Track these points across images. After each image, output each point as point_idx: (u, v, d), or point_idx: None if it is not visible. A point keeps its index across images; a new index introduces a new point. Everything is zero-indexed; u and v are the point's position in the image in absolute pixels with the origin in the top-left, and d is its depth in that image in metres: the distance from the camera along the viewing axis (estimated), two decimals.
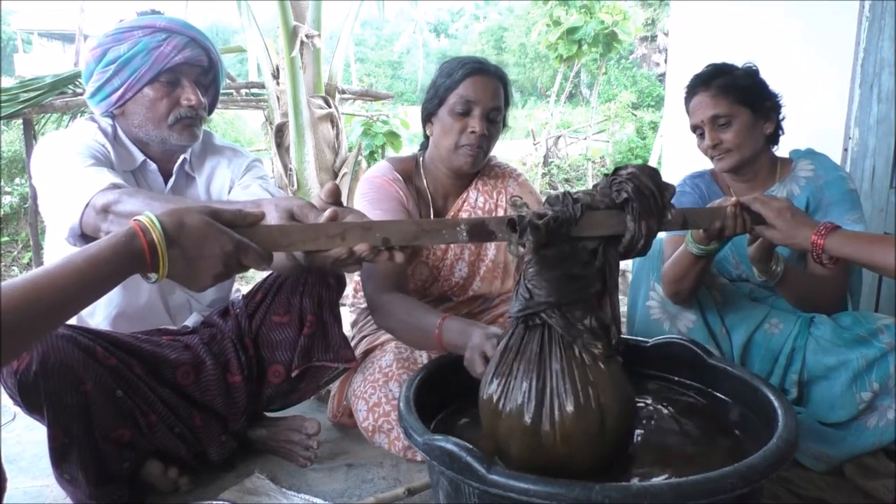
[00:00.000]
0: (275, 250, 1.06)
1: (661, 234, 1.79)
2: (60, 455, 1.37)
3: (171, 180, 1.62)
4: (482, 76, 1.74)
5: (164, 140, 1.55)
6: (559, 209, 1.13)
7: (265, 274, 1.73)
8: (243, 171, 1.68)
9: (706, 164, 1.93)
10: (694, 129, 1.79)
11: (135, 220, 0.94)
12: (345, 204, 1.21)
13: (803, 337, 1.69)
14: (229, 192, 1.65)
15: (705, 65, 1.80)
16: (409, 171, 1.88)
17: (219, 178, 1.68)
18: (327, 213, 1.12)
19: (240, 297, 1.73)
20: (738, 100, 1.70)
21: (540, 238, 1.11)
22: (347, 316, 2.08)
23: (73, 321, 1.52)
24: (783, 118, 1.79)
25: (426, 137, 1.88)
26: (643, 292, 1.81)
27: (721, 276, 1.86)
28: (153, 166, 1.59)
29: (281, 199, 1.19)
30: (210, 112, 1.65)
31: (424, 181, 1.88)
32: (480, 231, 1.15)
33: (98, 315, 1.56)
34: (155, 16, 1.54)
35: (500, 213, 1.87)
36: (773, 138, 1.80)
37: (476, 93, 1.72)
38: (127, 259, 0.92)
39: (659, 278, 1.77)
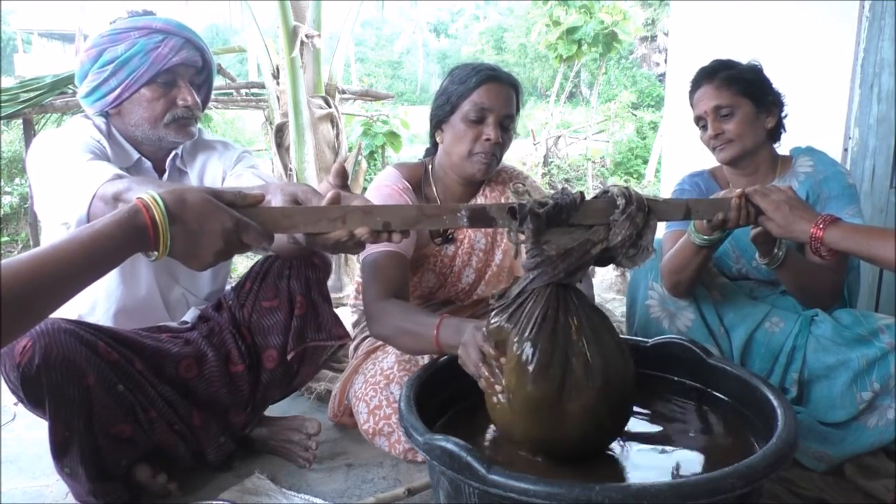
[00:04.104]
0: (276, 231, 1.07)
1: (660, 235, 1.80)
2: (61, 449, 1.37)
3: (165, 176, 1.64)
4: (496, 83, 1.72)
5: (160, 139, 1.58)
6: (559, 197, 1.14)
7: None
8: (234, 162, 1.70)
9: (706, 163, 1.94)
10: (697, 120, 1.80)
11: (138, 197, 0.96)
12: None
13: (804, 336, 1.69)
14: (222, 182, 1.67)
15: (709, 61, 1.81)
16: (417, 179, 1.86)
17: (211, 171, 1.69)
18: (329, 195, 1.12)
19: (230, 290, 1.74)
20: (741, 91, 1.72)
21: (540, 226, 1.12)
22: (348, 316, 2.08)
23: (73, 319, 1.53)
24: (785, 115, 1.80)
25: (434, 144, 1.86)
26: (642, 291, 1.82)
27: (721, 274, 1.87)
28: (148, 164, 1.62)
29: (286, 184, 1.21)
30: (203, 109, 1.67)
31: (434, 189, 1.87)
32: (481, 217, 1.15)
33: (98, 311, 1.57)
34: (150, 17, 1.55)
35: None
36: (775, 134, 1.81)
37: (490, 100, 1.70)
38: (130, 235, 0.93)
39: (657, 277, 1.78)
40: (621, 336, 1.25)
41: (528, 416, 1.14)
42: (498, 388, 1.17)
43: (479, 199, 1.88)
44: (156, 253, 0.97)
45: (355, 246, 1.13)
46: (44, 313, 0.90)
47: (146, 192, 0.96)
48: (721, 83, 1.73)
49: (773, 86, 1.78)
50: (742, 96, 1.72)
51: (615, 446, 1.24)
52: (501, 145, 1.75)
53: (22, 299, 0.83)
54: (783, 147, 1.86)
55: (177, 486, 1.54)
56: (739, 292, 1.82)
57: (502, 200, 1.88)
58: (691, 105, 1.81)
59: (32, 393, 1.33)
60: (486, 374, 1.20)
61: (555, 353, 1.12)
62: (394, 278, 1.64)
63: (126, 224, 0.93)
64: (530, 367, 1.12)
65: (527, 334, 1.14)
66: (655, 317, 1.80)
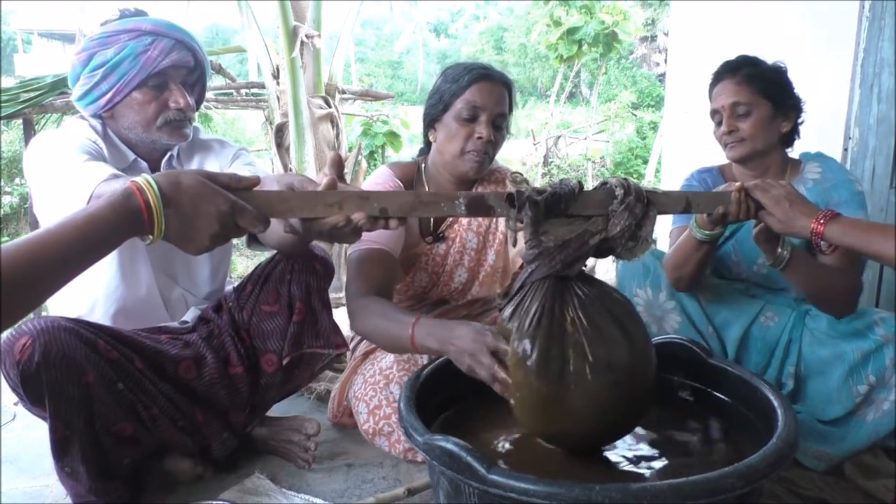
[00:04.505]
0: (272, 216, 1.06)
1: (660, 235, 1.80)
2: (61, 447, 1.37)
3: None
4: (489, 82, 1.73)
5: (154, 141, 1.58)
6: (558, 186, 1.14)
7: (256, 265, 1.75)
8: (231, 160, 1.70)
9: (707, 163, 1.94)
10: (713, 114, 1.78)
11: (132, 181, 0.95)
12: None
13: (798, 329, 1.70)
14: None
15: (729, 58, 1.78)
16: (410, 178, 1.87)
17: (208, 170, 1.68)
18: (325, 181, 1.11)
19: (231, 291, 1.74)
20: (761, 91, 1.70)
21: (538, 214, 1.12)
22: (346, 317, 2.08)
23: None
24: (802, 122, 1.78)
25: (427, 143, 1.87)
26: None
27: (719, 276, 1.87)
28: (144, 165, 1.62)
29: (282, 175, 1.20)
30: (197, 109, 1.67)
31: (427, 187, 1.87)
32: (479, 205, 1.15)
33: (97, 312, 1.56)
34: (139, 18, 1.54)
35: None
36: (789, 139, 1.79)
37: (483, 99, 1.71)
38: (125, 217, 0.93)
39: (641, 283, 1.79)
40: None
41: (537, 410, 1.14)
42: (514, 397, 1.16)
43: None
44: (151, 237, 0.96)
45: (352, 233, 1.12)
46: (41, 297, 0.89)
47: (141, 176, 0.96)
48: (742, 80, 1.71)
49: (795, 90, 1.75)
50: (761, 96, 1.70)
51: (615, 446, 1.24)
52: (494, 144, 1.76)
53: (19, 283, 0.82)
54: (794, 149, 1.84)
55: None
56: (732, 290, 1.82)
57: None
58: (710, 98, 1.79)
59: (32, 391, 1.33)
60: (503, 376, 1.16)
61: (552, 348, 1.12)
62: (378, 276, 1.64)
63: (120, 207, 0.92)
64: (529, 363, 1.12)
65: (525, 329, 1.14)
66: (644, 322, 1.80)
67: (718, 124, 1.76)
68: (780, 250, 1.53)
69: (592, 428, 1.14)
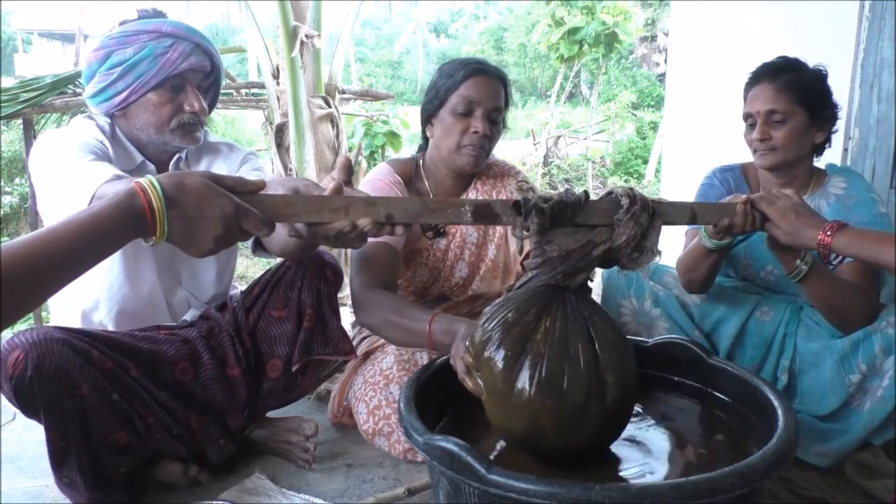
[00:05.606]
0: (278, 220, 1.06)
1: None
2: (59, 459, 1.37)
3: None
4: (483, 76, 1.74)
5: (165, 143, 1.58)
6: (564, 195, 1.14)
7: (263, 271, 1.74)
8: (239, 165, 1.70)
9: (707, 164, 1.93)
10: (746, 117, 1.73)
11: (136, 181, 0.95)
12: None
13: (794, 323, 1.70)
14: None
15: (773, 58, 1.74)
16: (409, 174, 1.88)
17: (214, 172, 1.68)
18: (332, 186, 1.12)
19: (238, 293, 1.74)
20: (800, 100, 1.65)
21: (544, 221, 1.12)
22: (349, 317, 2.08)
23: (76, 319, 1.53)
24: (835, 131, 1.75)
25: (425, 139, 1.87)
26: (613, 310, 1.84)
27: (723, 274, 1.87)
28: (151, 167, 1.61)
29: (287, 179, 1.20)
30: (209, 112, 1.66)
31: (426, 183, 1.88)
32: (485, 213, 1.15)
33: (100, 311, 1.56)
34: (160, 20, 1.54)
35: None
36: (820, 149, 1.76)
37: (478, 93, 1.72)
38: (128, 217, 0.92)
39: (625, 294, 1.81)
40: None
41: (489, 407, 1.17)
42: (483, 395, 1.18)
43: (471, 193, 1.89)
44: (154, 238, 0.96)
45: (357, 238, 1.12)
46: (42, 296, 0.89)
47: (145, 177, 0.96)
48: (782, 87, 1.66)
49: (833, 97, 1.71)
50: (799, 105, 1.65)
51: (616, 447, 1.24)
52: (490, 138, 1.77)
53: (19, 281, 0.82)
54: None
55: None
56: (725, 288, 1.83)
57: (494, 195, 1.89)
58: (744, 98, 1.74)
59: (27, 404, 1.32)
60: (471, 385, 1.20)
61: (510, 352, 1.12)
62: (383, 269, 1.66)
63: (124, 206, 0.92)
64: (493, 366, 1.13)
65: (492, 328, 1.15)
66: (634, 331, 1.81)
67: (751, 127, 1.71)
68: (798, 262, 1.50)
69: (528, 438, 1.13)
